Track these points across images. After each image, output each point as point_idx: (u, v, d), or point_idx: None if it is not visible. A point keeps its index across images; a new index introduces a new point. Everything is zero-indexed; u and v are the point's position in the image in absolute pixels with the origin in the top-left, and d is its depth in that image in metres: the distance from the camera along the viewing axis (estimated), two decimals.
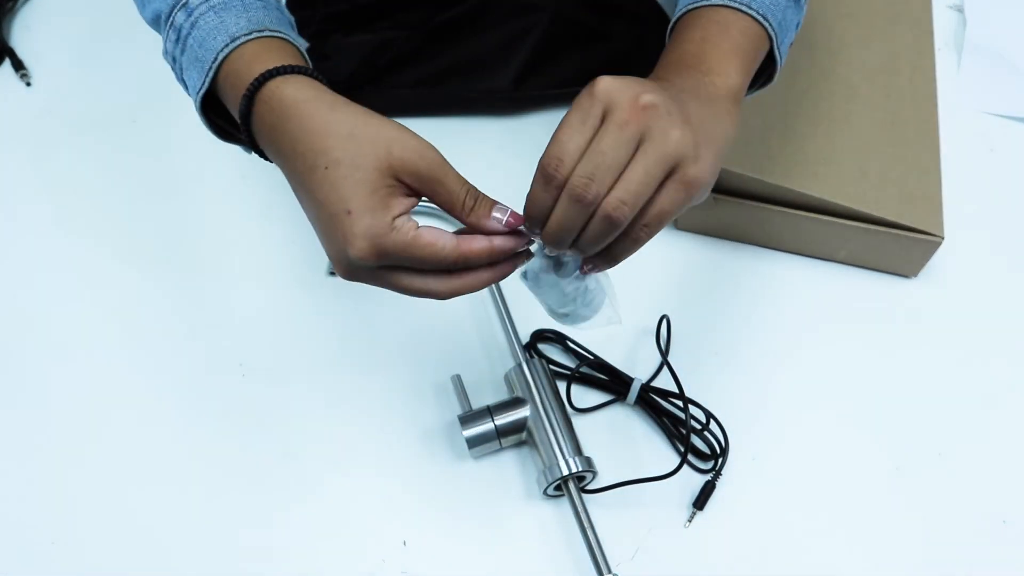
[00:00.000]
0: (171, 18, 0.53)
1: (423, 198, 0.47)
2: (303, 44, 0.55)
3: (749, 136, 0.72)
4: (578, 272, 0.50)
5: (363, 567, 0.61)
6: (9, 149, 0.83)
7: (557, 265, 0.50)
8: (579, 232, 0.45)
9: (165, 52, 0.55)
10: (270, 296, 0.73)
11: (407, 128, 0.47)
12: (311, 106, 0.47)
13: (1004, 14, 0.93)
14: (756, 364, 0.70)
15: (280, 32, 0.52)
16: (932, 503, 0.64)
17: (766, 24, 0.54)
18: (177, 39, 0.53)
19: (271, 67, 0.48)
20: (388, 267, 0.47)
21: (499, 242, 0.47)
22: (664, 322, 0.68)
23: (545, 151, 0.45)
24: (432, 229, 0.46)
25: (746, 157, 0.71)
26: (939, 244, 0.70)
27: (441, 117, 0.84)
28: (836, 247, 0.74)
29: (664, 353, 0.67)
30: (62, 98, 0.87)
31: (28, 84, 0.87)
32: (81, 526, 0.63)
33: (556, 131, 0.45)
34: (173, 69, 0.55)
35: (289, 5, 0.82)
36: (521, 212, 0.47)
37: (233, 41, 0.50)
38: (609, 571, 0.58)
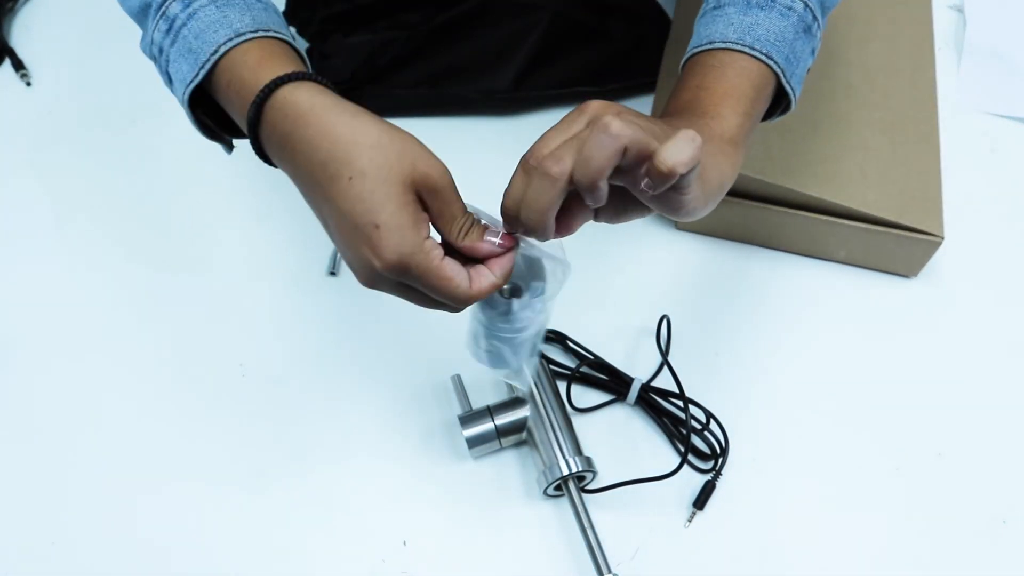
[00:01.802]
0: (163, 7, 0.51)
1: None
2: (299, 46, 0.54)
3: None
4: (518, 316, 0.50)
5: (363, 567, 0.61)
6: (9, 149, 0.83)
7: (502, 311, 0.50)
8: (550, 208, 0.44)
9: (149, 43, 0.53)
10: (270, 296, 0.73)
11: (423, 143, 0.46)
12: (332, 113, 0.45)
13: (1004, 14, 0.93)
14: (756, 364, 0.70)
15: (283, 35, 0.52)
16: (932, 503, 0.64)
17: (769, 62, 0.54)
18: (169, 29, 0.51)
19: (281, 73, 0.47)
20: (406, 284, 0.47)
21: (501, 274, 0.47)
22: (664, 322, 0.68)
23: (528, 150, 0.45)
24: (453, 263, 0.46)
25: (746, 157, 0.71)
26: (939, 244, 0.70)
27: (441, 117, 0.84)
28: (836, 247, 0.74)
29: (664, 353, 0.68)
30: (62, 98, 0.87)
31: (28, 84, 0.87)
32: (81, 526, 0.63)
33: (541, 136, 0.45)
34: (156, 61, 0.53)
35: (290, 5, 0.82)
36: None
37: (237, 36, 0.49)
38: (609, 571, 0.58)
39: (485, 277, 0.47)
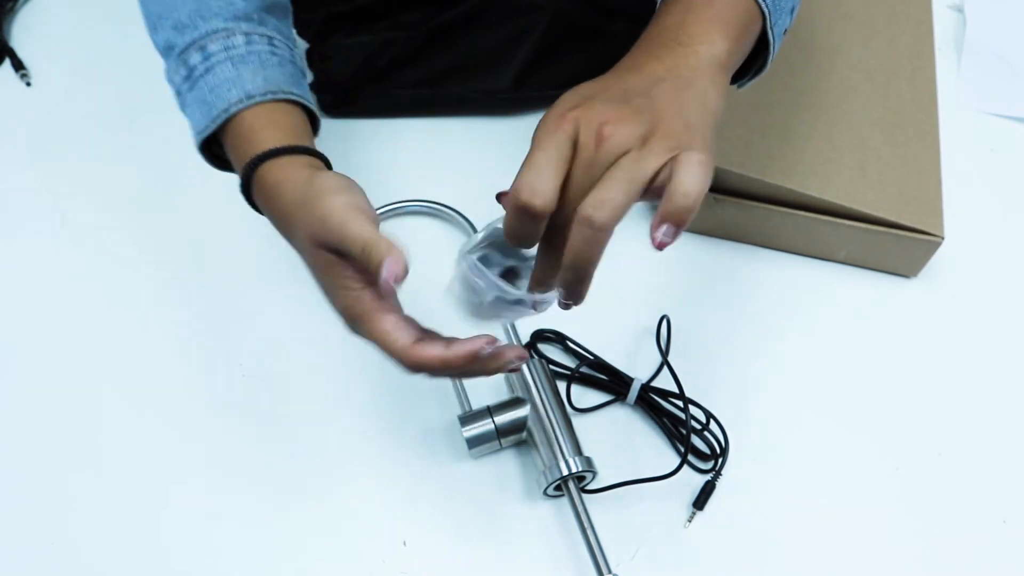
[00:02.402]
0: (184, 54, 0.55)
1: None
2: (309, 97, 0.58)
3: (749, 136, 0.72)
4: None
5: (363, 567, 0.61)
6: (9, 149, 0.83)
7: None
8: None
9: (169, 79, 0.57)
10: (270, 296, 0.73)
11: (334, 189, 0.49)
12: (284, 191, 0.51)
13: (1004, 14, 0.93)
14: (756, 364, 0.70)
15: (292, 93, 0.55)
16: (932, 503, 0.64)
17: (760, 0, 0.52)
18: (187, 76, 0.55)
19: (267, 148, 0.52)
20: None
21: (452, 354, 0.47)
22: (664, 322, 0.68)
23: (518, 180, 0.44)
24: (395, 319, 0.48)
25: (746, 157, 0.71)
26: (939, 244, 0.70)
27: (441, 117, 0.84)
28: (836, 247, 0.74)
29: (664, 353, 0.68)
30: (62, 98, 0.87)
31: (28, 84, 0.87)
32: (81, 527, 0.63)
33: (525, 164, 0.45)
34: (175, 95, 0.58)
35: (291, 6, 0.82)
36: None
37: (249, 99, 0.54)
38: (609, 571, 0.58)
39: (431, 348, 0.47)
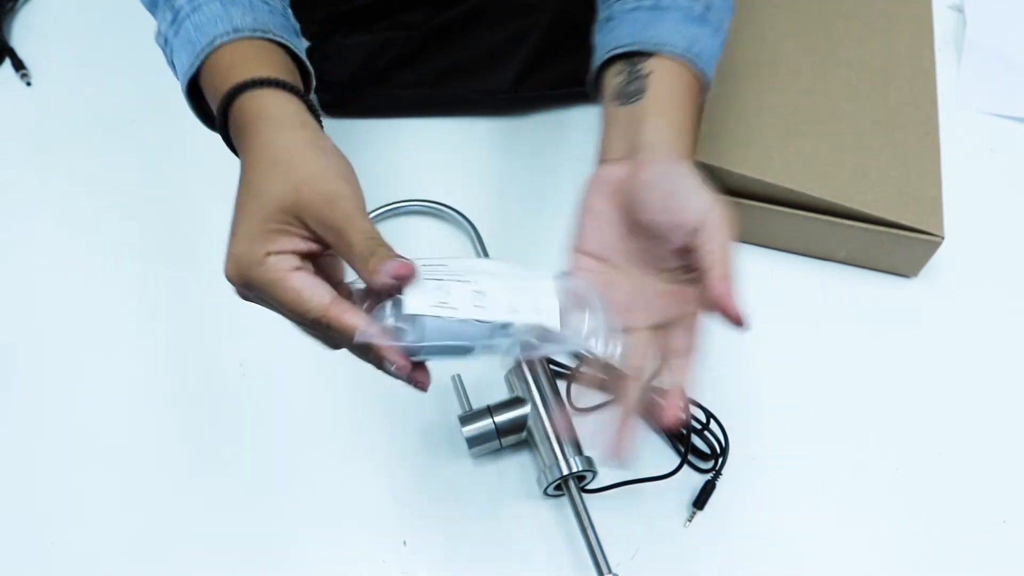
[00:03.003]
0: (171, 1, 0.53)
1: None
2: (302, 48, 0.54)
3: (749, 136, 0.72)
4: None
5: (363, 567, 0.61)
6: (9, 149, 0.83)
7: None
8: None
9: (158, 34, 0.54)
10: None
11: (336, 169, 0.46)
12: (265, 125, 0.47)
13: (1004, 14, 0.93)
14: (756, 364, 0.70)
15: (281, 37, 0.52)
16: (932, 503, 0.64)
17: (704, 79, 0.54)
18: (174, 19, 0.52)
19: (249, 77, 0.48)
20: (261, 298, 0.46)
21: (373, 332, 0.43)
22: None
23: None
24: (308, 277, 0.44)
25: (746, 157, 0.71)
26: (939, 244, 0.70)
27: (441, 117, 0.84)
28: (836, 247, 0.74)
29: None
30: (62, 98, 0.87)
31: (28, 84, 0.87)
32: (80, 527, 0.63)
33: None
34: (164, 51, 0.55)
35: (291, 7, 0.82)
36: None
37: (235, 32, 0.50)
38: (609, 571, 0.58)
39: (350, 314, 0.43)
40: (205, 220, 0.78)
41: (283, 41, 0.52)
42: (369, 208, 0.78)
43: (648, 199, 0.48)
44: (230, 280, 0.45)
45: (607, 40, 0.54)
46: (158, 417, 0.68)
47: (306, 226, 0.44)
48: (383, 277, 0.42)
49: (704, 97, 0.55)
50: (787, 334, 0.72)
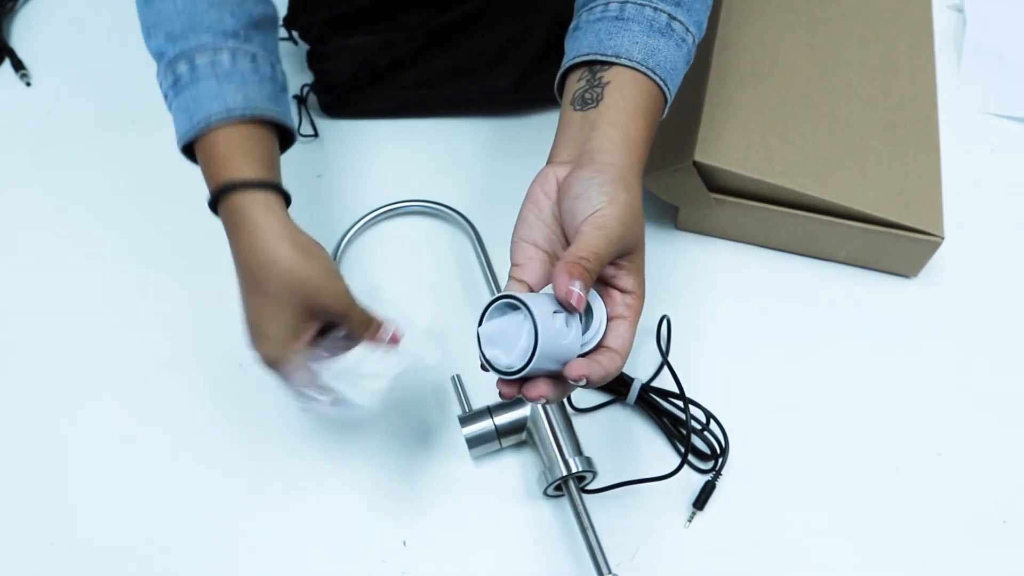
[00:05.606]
0: (173, 64, 0.58)
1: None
2: (287, 111, 0.62)
3: (749, 136, 0.72)
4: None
5: (363, 567, 0.61)
6: (9, 149, 0.83)
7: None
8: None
9: (160, 81, 0.60)
10: None
11: (325, 266, 0.56)
12: (261, 235, 0.56)
13: (1004, 14, 0.93)
14: (756, 364, 0.70)
15: (269, 111, 0.59)
16: (932, 503, 0.64)
17: (666, 90, 0.55)
18: (174, 83, 0.58)
19: (240, 179, 0.56)
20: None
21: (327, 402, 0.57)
22: (664, 322, 0.68)
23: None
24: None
25: (746, 157, 0.71)
26: (939, 244, 0.70)
27: (441, 118, 0.84)
28: (836, 247, 0.74)
29: (664, 353, 0.68)
30: (62, 98, 0.87)
31: (28, 84, 0.88)
32: (81, 527, 0.63)
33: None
34: (163, 96, 0.61)
35: (291, 8, 0.82)
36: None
37: (228, 112, 0.57)
38: (609, 571, 0.58)
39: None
40: (205, 220, 0.77)
41: (270, 117, 0.59)
42: (369, 208, 0.78)
43: (562, 200, 0.51)
44: (262, 366, 0.57)
45: (572, 48, 0.57)
46: (158, 417, 0.68)
47: (313, 316, 0.56)
48: (382, 340, 0.58)
49: (667, 106, 0.57)
50: (787, 334, 0.72)
